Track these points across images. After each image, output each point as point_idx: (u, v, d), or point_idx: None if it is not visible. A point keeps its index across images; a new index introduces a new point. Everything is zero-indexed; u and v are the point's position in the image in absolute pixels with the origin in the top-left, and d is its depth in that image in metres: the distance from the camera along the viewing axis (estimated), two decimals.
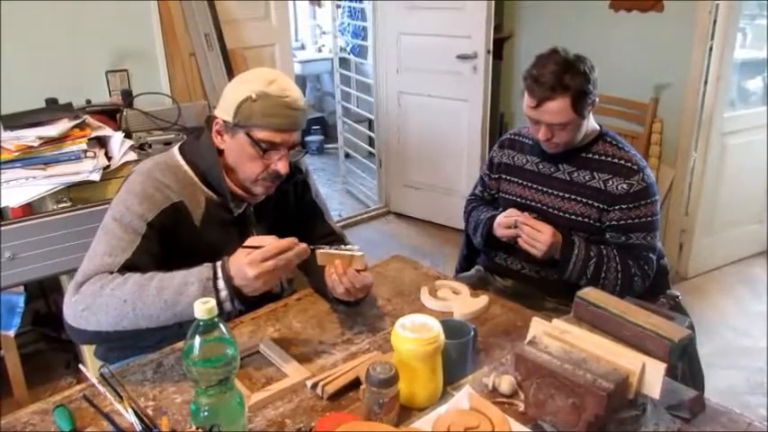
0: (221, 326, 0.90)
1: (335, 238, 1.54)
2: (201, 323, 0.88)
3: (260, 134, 1.25)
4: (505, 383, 1.10)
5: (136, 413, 1.00)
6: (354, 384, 1.13)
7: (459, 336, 1.15)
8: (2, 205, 1.76)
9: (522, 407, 1.06)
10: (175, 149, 1.36)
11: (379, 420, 1.01)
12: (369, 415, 1.02)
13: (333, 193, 4.47)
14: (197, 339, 0.88)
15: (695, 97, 2.90)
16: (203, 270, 1.12)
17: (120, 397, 1.06)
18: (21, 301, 1.91)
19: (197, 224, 1.30)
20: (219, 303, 1.10)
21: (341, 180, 4.67)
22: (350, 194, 4.47)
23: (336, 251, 1.26)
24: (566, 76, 1.48)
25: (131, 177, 1.30)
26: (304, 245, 1.14)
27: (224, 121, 1.28)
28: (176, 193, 1.28)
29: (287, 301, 1.46)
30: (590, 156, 1.63)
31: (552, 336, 1.03)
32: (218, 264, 1.13)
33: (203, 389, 0.90)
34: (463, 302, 1.44)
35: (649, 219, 1.59)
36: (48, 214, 1.84)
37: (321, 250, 1.26)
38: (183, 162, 1.33)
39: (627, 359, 0.96)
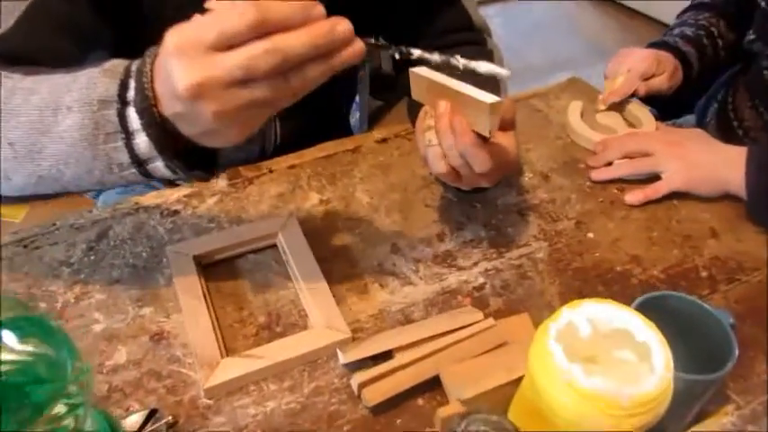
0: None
1: (469, 38, 0.81)
2: None
3: None
4: None
5: None
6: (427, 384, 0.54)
7: (694, 337, 0.49)
8: None
9: None
10: None
11: None
12: None
13: None
14: None
15: None
16: (100, 78, 0.47)
17: None
18: None
19: None
20: (139, 162, 0.48)
21: None
22: None
23: (447, 81, 0.54)
24: None
25: None
26: (345, 22, 0.42)
27: None
28: None
29: (362, 142, 0.82)
30: None
31: None
32: (135, 64, 0.47)
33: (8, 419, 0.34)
34: None
35: None
36: None
37: (418, 70, 0.56)
38: None
39: None
